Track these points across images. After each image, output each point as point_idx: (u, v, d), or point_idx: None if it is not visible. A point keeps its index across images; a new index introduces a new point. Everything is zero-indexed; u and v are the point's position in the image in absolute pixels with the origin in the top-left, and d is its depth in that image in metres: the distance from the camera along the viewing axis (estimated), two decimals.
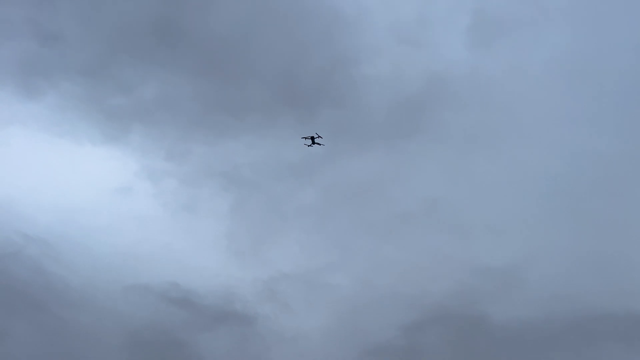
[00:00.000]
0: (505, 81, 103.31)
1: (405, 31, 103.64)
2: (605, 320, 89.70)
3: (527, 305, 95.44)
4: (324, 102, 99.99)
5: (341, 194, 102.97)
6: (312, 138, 22.36)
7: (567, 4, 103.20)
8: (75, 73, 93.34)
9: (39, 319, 72.71)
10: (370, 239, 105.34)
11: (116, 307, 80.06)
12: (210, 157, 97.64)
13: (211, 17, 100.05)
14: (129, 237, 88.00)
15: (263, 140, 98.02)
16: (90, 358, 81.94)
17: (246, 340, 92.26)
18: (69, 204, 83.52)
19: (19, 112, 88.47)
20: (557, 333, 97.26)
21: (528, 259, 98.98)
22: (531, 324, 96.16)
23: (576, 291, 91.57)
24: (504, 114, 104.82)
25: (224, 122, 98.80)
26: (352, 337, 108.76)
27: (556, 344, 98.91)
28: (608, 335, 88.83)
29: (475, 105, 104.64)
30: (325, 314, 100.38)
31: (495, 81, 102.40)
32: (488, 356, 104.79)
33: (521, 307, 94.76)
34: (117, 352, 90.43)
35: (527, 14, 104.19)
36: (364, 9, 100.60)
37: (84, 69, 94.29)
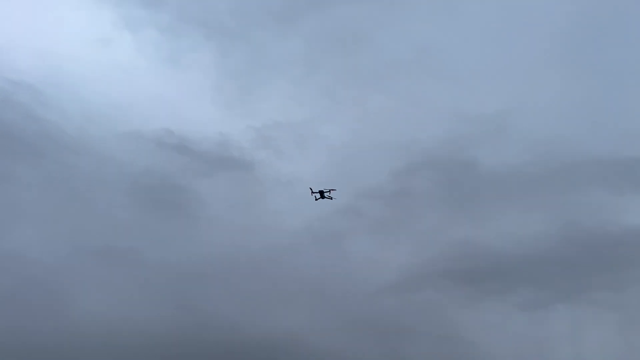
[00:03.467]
0: None
1: None
2: (591, 165, 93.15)
3: (515, 150, 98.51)
4: None
5: (328, 42, 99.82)
6: (322, 192, 19.62)
7: None
8: None
9: (40, 164, 74.26)
10: (358, 87, 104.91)
11: (113, 154, 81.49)
12: (188, 4, 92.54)
13: None
14: (116, 86, 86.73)
15: None
16: (92, 202, 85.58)
17: (244, 185, 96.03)
18: (53, 52, 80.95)
19: None
20: (544, 177, 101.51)
21: (517, 105, 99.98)
22: (518, 169, 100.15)
23: (563, 136, 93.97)
24: None
25: None
26: (345, 181, 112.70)
27: (543, 188, 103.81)
28: (594, 180, 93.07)
29: None
30: (318, 160, 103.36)
31: None
32: (476, 200, 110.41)
33: (509, 152, 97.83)
34: (119, 197, 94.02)
35: None
36: None
37: None
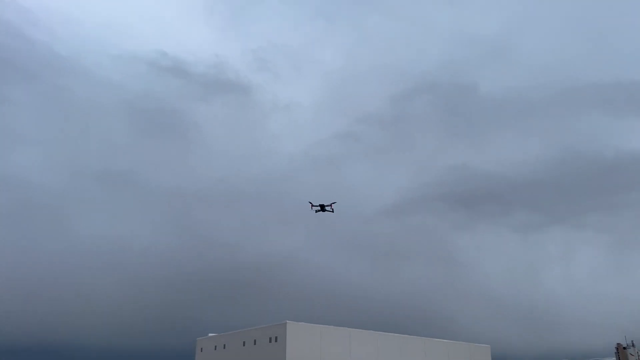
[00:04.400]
0: None
1: None
2: (592, 89, 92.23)
3: (515, 74, 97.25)
4: None
5: None
6: (322, 206, 17.59)
7: None
8: None
9: (35, 87, 72.85)
10: (355, 7, 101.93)
11: (109, 76, 79.81)
12: None
13: None
14: (107, 6, 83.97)
15: None
16: (89, 126, 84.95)
17: (241, 109, 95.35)
18: None
19: None
20: (544, 101, 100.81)
21: (519, 27, 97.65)
22: (518, 92, 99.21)
23: (565, 60, 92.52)
24: None
25: None
26: (343, 106, 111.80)
27: (542, 112, 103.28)
28: (593, 104, 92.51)
29: None
30: (316, 84, 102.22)
31: None
32: (475, 124, 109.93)
33: (510, 76, 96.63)
34: (115, 121, 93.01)
35: None
36: None
37: None
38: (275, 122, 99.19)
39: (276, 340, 26.33)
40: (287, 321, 26.07)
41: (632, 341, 45.60)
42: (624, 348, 46.48)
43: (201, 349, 35.45)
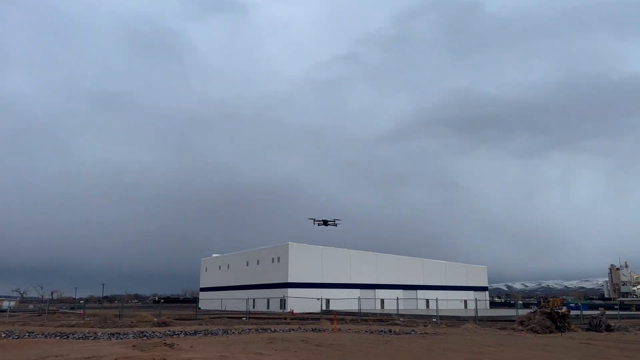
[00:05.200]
0: None
1: None
2: (599, 8, 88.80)
3: None
4: None
5: None
6: (325, 221, 15.18)
7: None
8: None
9: (25, 6, 69.93)
10: None
11: None
12: None
13: None
14: None
15: None
16: (83, 46, 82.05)
17: (238, 30, 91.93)
18: None
19: None
20: (549, 21, 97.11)
21: None
22: (525, 12, 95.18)
23: None
24: None
25: None
26: (343, 26, 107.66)
27: (548, 32, 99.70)
28: (600, 24, 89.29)
29: None
30: (315, 2, 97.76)
31: None
32: (478, 46, 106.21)
33: None
34: (110, 41, 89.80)
35: None
36: None
37: None
38: (273, 44, 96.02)
39: (279, 261, 26.91)
40: (289, 242, 26.50)
41: (625, 262, 46.93)
42: (617, 269, 47.83)
43: (206, 268, 36.48)
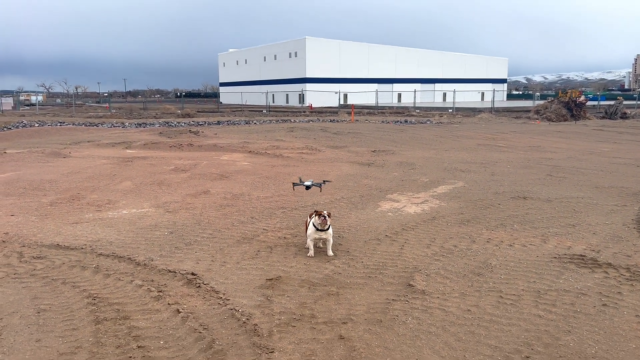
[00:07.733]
0: None
1: None
2: None
3: None
4: None
5: None
6: (308, 187, 7.21)
7: None
8: None
9: None
10: None
11: None
12: None
13: None
14: None
15: None
16: None
17: None
18: None
19: None
20: None
21: None
22: None
23: None
24: None
25: None
26: None
27: None
28: None
29: None
30: None
31: None
32: None
33: None
34: None
35: None
36: None
37: None
38: None
39: (296, 56, 26.44)
40: (307, 36, 25.69)
41: None
42: None
43: (224, 64, 36.13)
